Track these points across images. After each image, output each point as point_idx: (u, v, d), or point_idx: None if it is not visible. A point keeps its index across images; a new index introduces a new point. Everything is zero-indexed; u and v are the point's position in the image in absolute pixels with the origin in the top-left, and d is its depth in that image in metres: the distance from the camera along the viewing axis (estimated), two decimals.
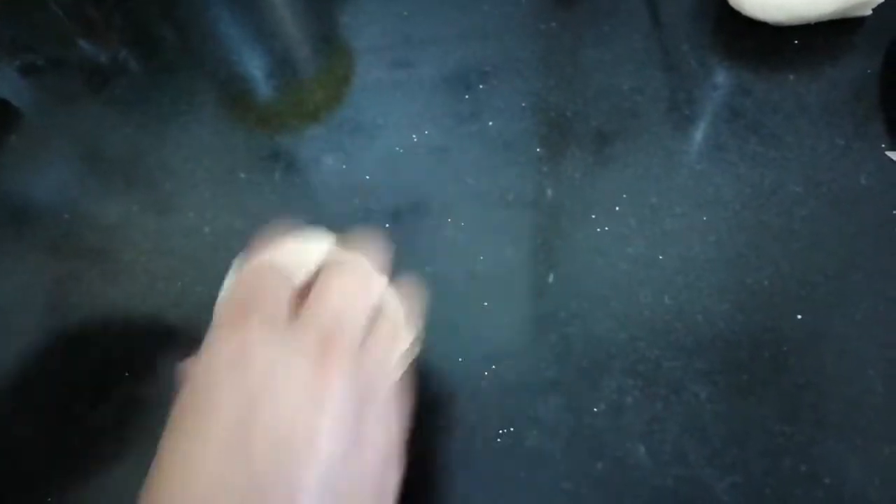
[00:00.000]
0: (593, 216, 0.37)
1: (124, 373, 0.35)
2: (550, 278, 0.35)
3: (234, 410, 0.20)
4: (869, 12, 0.41)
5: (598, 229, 0.37)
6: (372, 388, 0.23)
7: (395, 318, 0.26)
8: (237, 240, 0.38)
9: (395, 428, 0.24)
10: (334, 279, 0.25)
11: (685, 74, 0.42)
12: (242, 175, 0.40)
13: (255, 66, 0.45)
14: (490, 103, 0.41)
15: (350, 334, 0.23)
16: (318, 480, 0.19)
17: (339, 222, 0.38)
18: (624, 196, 0.37)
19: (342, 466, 0.20)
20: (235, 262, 0.31)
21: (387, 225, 0.38)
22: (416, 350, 0.28)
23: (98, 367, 0.35)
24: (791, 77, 0.41)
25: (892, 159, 0.38)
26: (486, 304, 0.35)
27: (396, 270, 0.36)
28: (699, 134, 0.39)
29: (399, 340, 0.26)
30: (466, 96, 0.42)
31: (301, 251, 0.28)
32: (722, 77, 0.41)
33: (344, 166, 0.40)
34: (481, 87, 0.42)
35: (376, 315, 0.25)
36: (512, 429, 0.31)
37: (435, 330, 0.31)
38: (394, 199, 0.39)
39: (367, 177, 0.40)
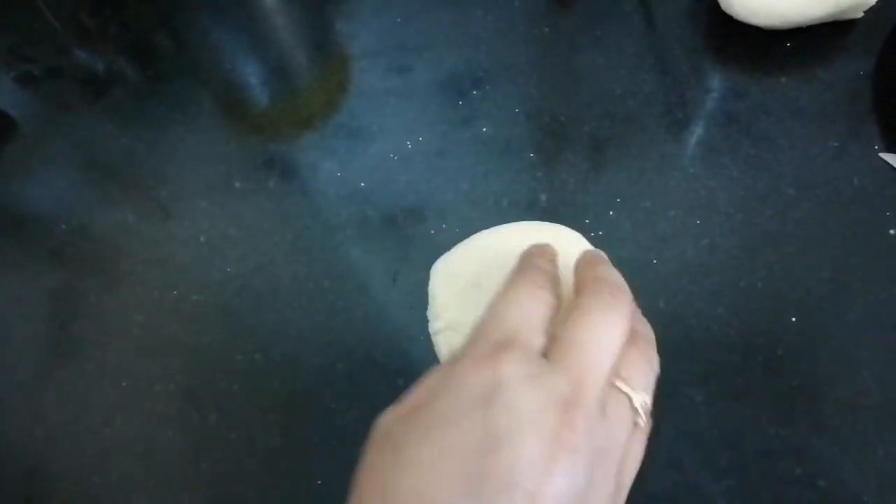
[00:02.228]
0: (587, 221, 0.37)
1: (121, 382, 0.35)
2: None
3: (474, 446, 0.20)
4: (861, 14, 0.41)
5: (592, 234, 0.37)
6: (610, 442, 0.22)
7: (648, 354, 0.25)
8: (232, 248, 0.38)
9: (624, 483, 0.23)
10: (590, 315, 0.23)
11: (678, 78, 0.42)
12: (237, 183, 0.41)
13: (250, 74, 0.45)
14: (484, 109, 0.42)
15: (596, 386, 0.22)
16: None
17: (335, 229, 0.38)
18: (617, 200, 0.38)
19: None
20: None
21: (382, 231, 0.38)
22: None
23: (94, 377, 0.36)
24: (784, 80, 0.41)
25: (885, 161, 0.38)
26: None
27: (394, 275, 0.36)
28: (692, 138, 0.39)
29: (651, 374, 0.24)
30: (460, 102, 0.42)
31: (559, 260, 0.27)
32: (715, 81, 0.41)
33: (339, 173, 0.40)
34: (475, 92, 0.42)
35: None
36: None
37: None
38: (389, 206, 0.39)
39: (362, 183, 0.40)
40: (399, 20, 0.46)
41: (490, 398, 0.21)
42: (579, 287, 0.25)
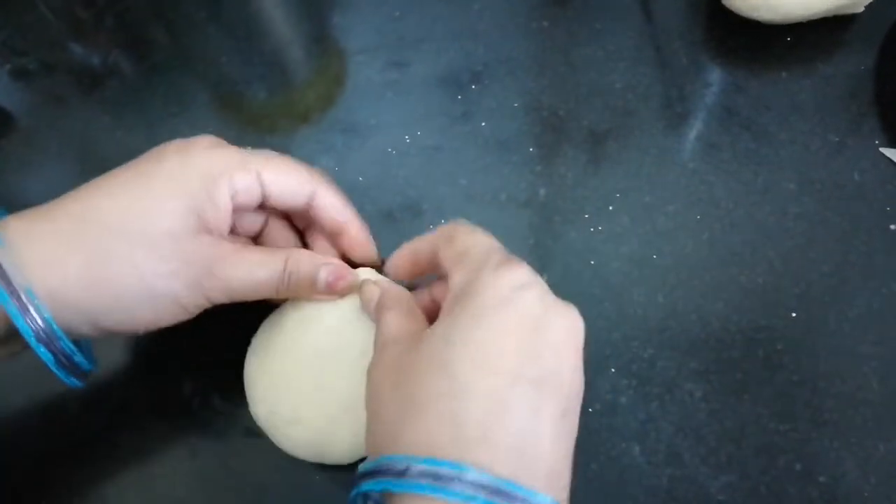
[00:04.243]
0: (586, 215, 0.37)
1: (120, 377, 0.35)
2: (544, 278, 0.35)
3: (522, 325, 0.24)
4: (861, 9, 0.41)
5: (592, 229, 0.36)
6: None
7: None
8: None
9: None
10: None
11: (678, 72, 0.41)
12: None
13: (246, 68, 0.45)
14: (482, 103, 0.41)
15: None
16: (570, 392, 0.24)
17: None
18: (617, 195, 0.37)
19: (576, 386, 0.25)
20: None
21: (379, 226, 0.38)
22: None
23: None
24: (784, 74, 0.41)
25: (886, 156, 0.37)
26: None
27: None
28: (692, 132, 0.39)
29: None
30: (459, 96, 0.42)
31: None
32: (714, 75, 0.41)
33: (336, 167, 0.40)
34: (473, 87, 0.42)
35: None
36: None
37: None
38: (387, 200, 0.39)
39: (360, 178, 0.39)
40: (397, 14, 0.46)
41: (523, 290, 0.25)
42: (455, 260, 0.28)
